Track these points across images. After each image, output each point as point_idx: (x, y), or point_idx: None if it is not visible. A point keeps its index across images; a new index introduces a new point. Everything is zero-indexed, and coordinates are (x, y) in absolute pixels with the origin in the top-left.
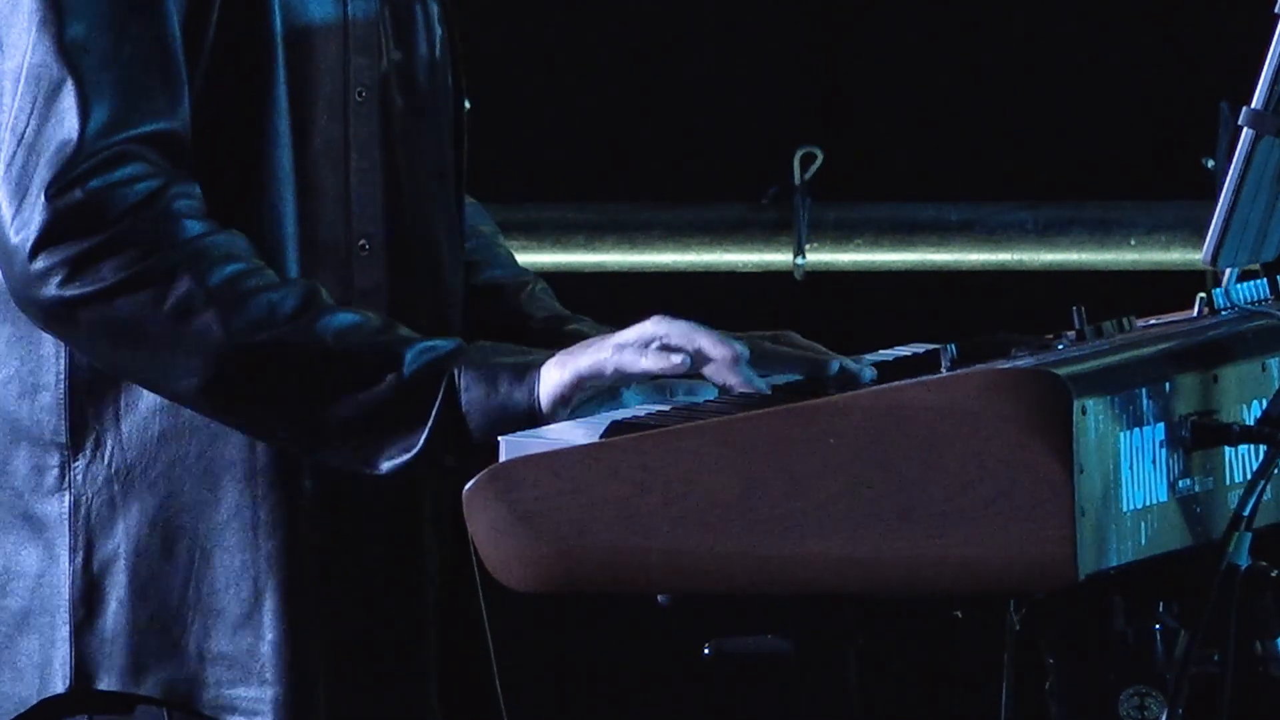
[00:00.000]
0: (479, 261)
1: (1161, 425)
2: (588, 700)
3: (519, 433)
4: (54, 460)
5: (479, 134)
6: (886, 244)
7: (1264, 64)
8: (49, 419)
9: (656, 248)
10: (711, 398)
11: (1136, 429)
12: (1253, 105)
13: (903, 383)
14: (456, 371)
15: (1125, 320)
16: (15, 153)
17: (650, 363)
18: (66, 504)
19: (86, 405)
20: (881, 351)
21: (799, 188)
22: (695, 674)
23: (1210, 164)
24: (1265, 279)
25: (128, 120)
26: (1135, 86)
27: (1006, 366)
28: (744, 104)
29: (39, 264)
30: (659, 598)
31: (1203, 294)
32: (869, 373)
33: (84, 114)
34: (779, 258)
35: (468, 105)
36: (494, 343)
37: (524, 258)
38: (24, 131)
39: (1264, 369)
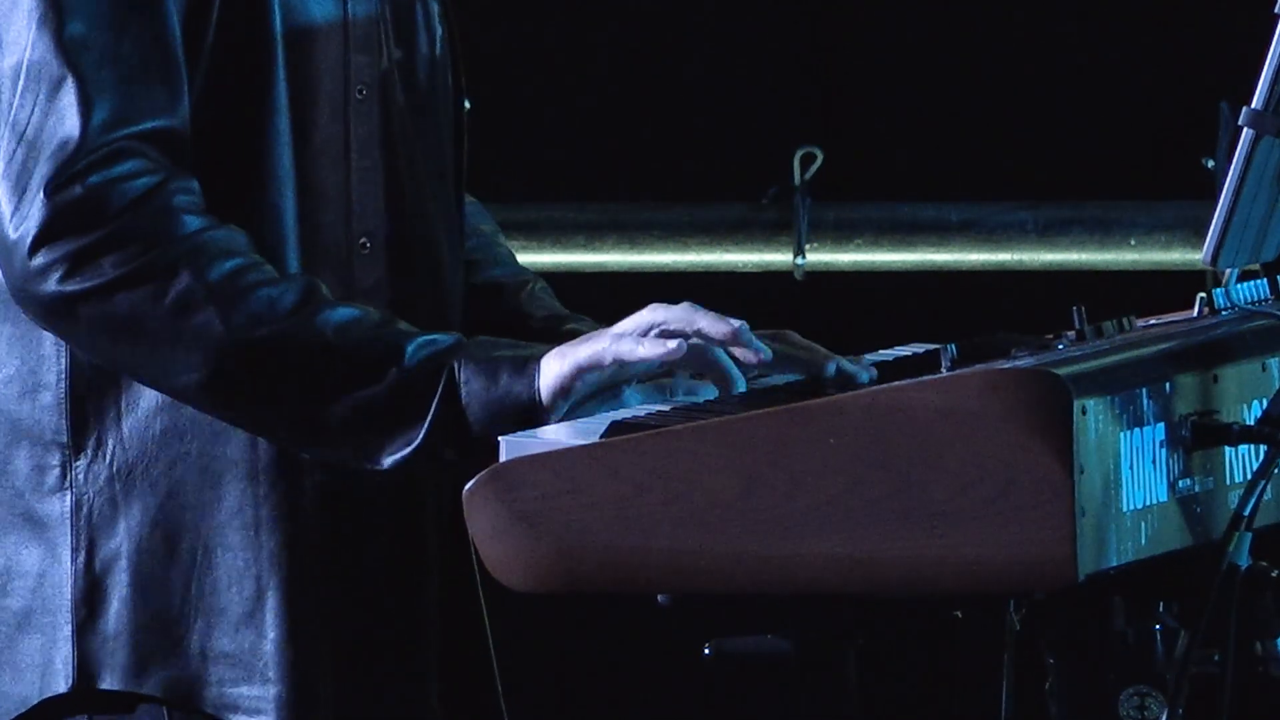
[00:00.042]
0: (479, 260)
1: (1162, 425)
2: (588, 700)
3: (519, 433)
4: (55, 460)
5: (479, 134)
6: (886, 244)
7: (1264, 64)
8: (50, 418)
9: (656, 248)
10: (711, 398)
11: (1137, 429)
12: (1253, 105)
13: (903, 383)
14: (457, 365)
15: (1125, 320)
16: (15, 149)
17: (648, 350)
18: (68, 503)
19: (87, 404)
20: (881, 351)
21: (799, 188)
22: (695, 674)
23: (1210, 164)
24: (1265, 279)
25: (128, 117)
26: (1135, 86)
27: (1006, 366)
28: (744, 104)
29: (39, 260)
30: (659, 598)
31: (1203, 294)
32: (869, 373)
33: (84, 111)
34: (779, 258)
35: (468, 105)
36: (494, 337)
37: (524, 258)
38: (24, 128)
39: (1264, 369)
